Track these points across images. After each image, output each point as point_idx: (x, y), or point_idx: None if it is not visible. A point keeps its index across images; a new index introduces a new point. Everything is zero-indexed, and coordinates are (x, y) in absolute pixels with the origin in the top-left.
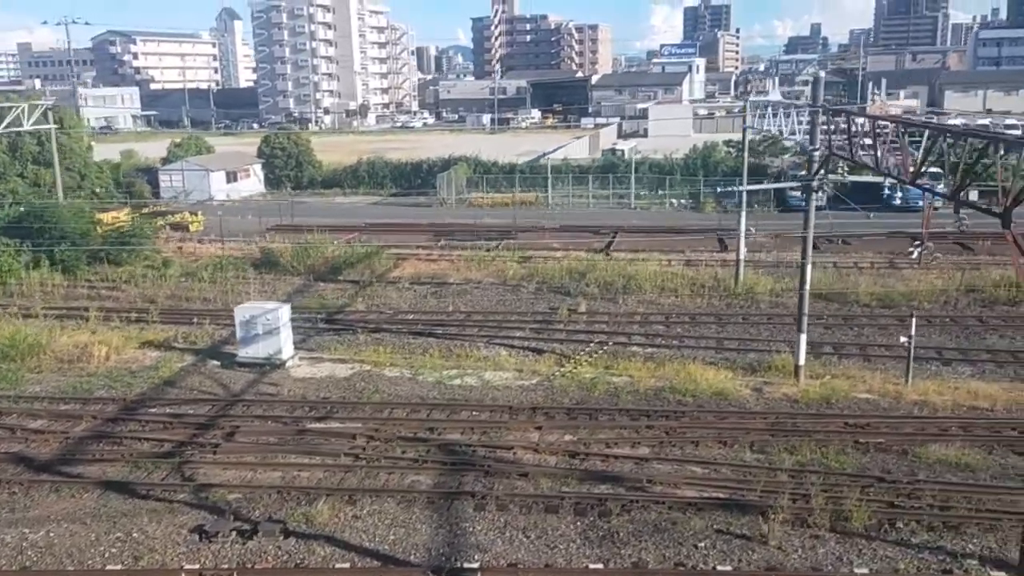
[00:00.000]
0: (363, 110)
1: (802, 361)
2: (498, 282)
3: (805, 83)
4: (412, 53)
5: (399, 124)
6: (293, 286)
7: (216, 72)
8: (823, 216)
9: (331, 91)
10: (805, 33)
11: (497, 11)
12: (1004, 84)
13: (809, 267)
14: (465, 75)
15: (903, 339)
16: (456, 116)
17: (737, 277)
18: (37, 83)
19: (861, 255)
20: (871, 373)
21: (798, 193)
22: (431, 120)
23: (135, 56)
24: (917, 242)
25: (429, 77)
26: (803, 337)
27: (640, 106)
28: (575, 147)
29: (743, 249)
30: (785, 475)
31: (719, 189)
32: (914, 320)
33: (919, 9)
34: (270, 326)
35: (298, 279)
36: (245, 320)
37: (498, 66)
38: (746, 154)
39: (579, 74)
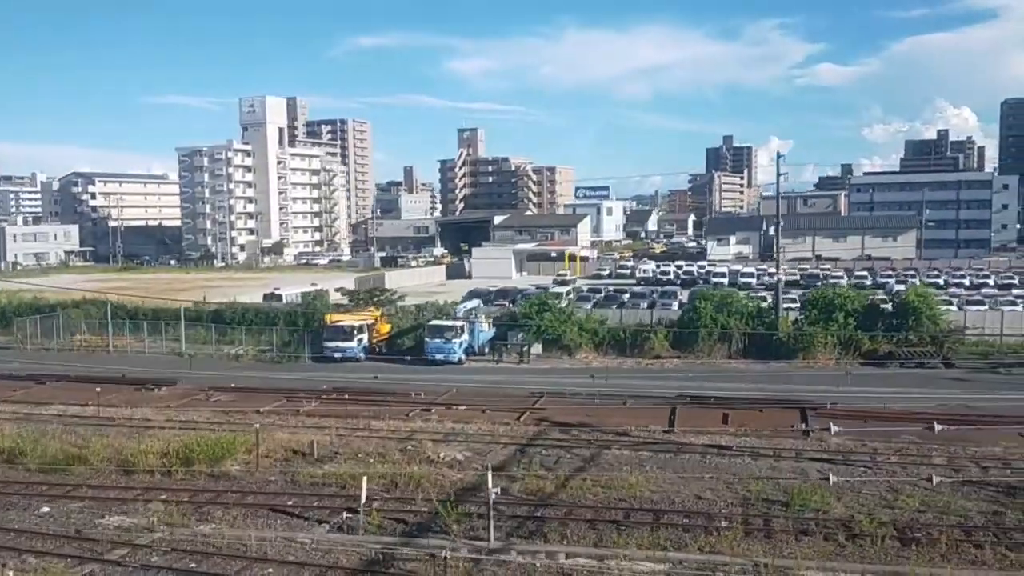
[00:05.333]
0: (278, 247)
1: None
2: None
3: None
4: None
5: (304, 261)
6: None
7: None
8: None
9: (249, 229)
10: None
11: (462, 153)
12: (831, 231)
13: None
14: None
15: None
16: (384, 252)
17: None
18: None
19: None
20: None
21: (333, 344)
22: (346, 257)
23: (92, 196)
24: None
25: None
26: None
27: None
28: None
29: None
30: None
31: None
32: None
33: (942, 151)
34: None
35: None
36: None
37: (461, 204)
38: None
39: (528, 211)
